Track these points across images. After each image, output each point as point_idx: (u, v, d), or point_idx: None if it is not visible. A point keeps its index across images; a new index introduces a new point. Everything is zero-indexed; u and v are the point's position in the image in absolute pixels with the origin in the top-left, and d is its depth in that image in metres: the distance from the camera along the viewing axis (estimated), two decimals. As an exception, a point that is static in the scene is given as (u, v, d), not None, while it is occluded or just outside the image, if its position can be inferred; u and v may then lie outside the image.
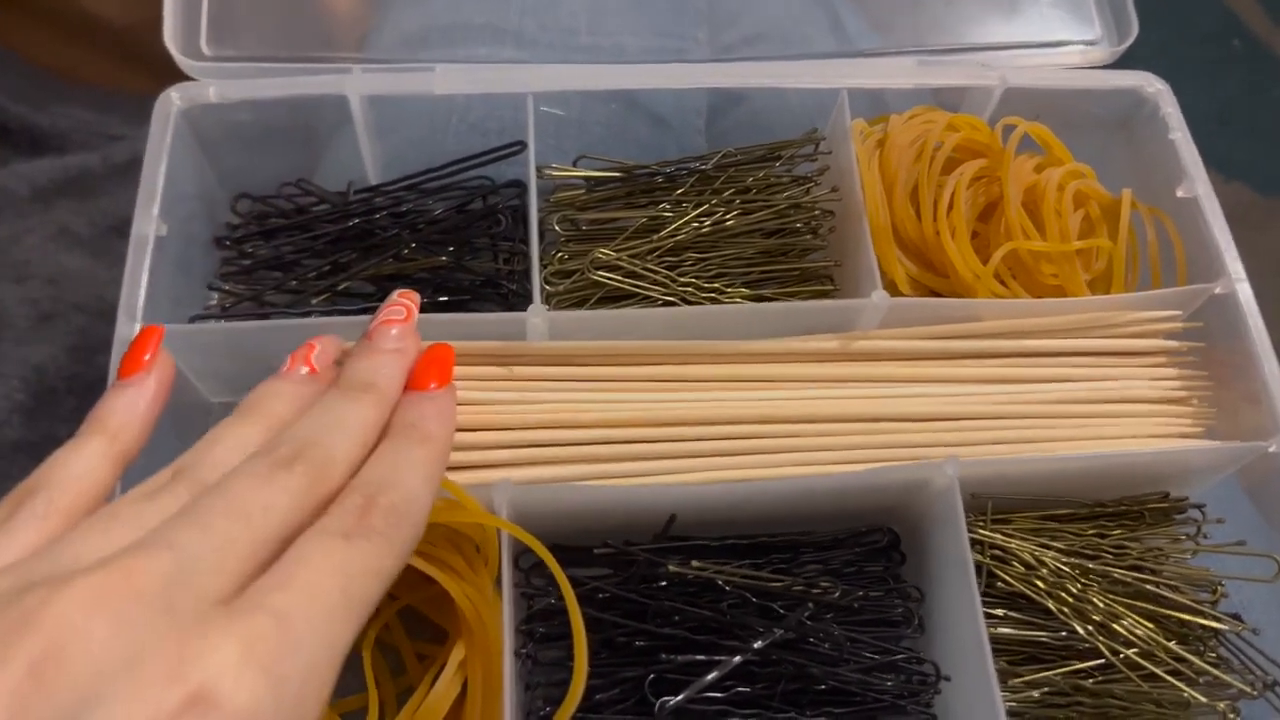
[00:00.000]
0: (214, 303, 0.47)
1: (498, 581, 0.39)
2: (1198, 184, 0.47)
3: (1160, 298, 0.45)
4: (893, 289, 0.46)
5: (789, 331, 0.44)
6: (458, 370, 0.42)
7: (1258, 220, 1.32)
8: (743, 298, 0.46)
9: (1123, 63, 0.51)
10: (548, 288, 0.46)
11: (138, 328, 0.40)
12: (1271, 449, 0.42)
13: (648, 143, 0.54)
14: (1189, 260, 0.47)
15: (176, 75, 0.46)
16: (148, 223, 0.42)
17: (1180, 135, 0.48)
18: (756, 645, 0.39)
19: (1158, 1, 1.39)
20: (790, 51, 0.61)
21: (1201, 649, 0.42)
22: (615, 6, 0.56)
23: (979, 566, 0.42)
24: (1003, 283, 0.46)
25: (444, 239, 0.47)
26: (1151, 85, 0.49)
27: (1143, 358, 0.46)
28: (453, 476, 0.39)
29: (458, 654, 0.37)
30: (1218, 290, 0.45)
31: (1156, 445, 0.44)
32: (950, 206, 0.45)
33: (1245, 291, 0.45)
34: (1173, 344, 0.46)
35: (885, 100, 0.53)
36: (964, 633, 0.39)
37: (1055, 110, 0.50)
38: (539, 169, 0.47)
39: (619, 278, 0.45)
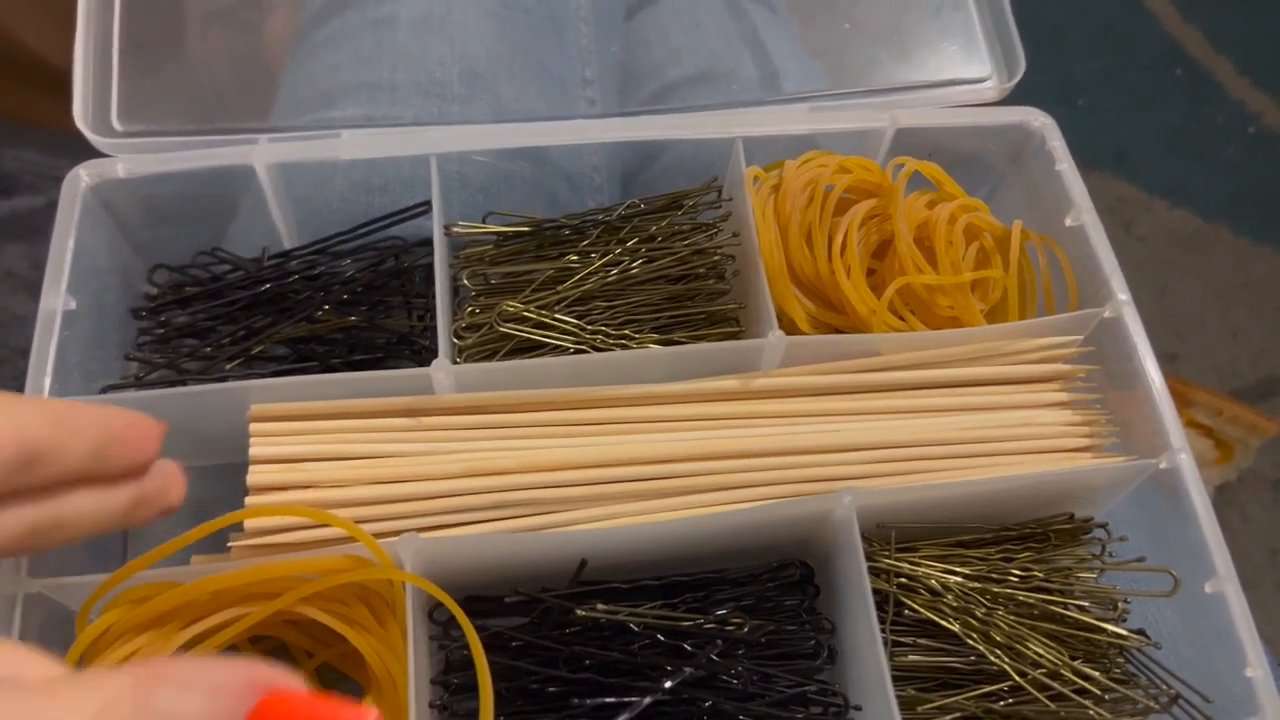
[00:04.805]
0: (130, 374, 0.47)
1: (409, 634, 0.39)
2: (1083, 213, 0.48)
3: (1051, 324, 0.47)
4: (792, 328, 0.47)
5: (694, 374, 0.46)
6: (366, 423, 0.43)
7: (1203, 245, 1.35)
8: (653, 343, 0.47)
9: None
10: (458, 342, 0.47)
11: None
12: (1162, 465, 0.43)
13: (559, 198, 0.55)
14: (1079, 286, 0.49)
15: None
16: (55, 298, 0.42)
17: (1066, 166, 0.50)
18: (666, 685, 0.40)
19: (1099, 31, 1.43)
20: (712, 100, 0.62)
21: (1109, 666, 0.43)
22: (491, 66, 0.57)
23: (886, 595, 0.43)
24: (900, 317, 0.47)
25: (358, 299, 0.49)
26: (1037, 120, 0.51)
27: (1041, 383, 0.47)
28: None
29: (366, 709, 0.38)
30: (1106, 314, 0.47)
31: (1054, 467, 0.45)
32: (844, 246, 0.46)
33: (1131, 314, 0.46)
34: (1068, 368, 0.47)
35: (815, 141, 0.54)
36: (868, 661, 0.39)
37: (949, 148, 0.52)
38: (446, 226, 0.48)
39: (527, 329, 0.46)
